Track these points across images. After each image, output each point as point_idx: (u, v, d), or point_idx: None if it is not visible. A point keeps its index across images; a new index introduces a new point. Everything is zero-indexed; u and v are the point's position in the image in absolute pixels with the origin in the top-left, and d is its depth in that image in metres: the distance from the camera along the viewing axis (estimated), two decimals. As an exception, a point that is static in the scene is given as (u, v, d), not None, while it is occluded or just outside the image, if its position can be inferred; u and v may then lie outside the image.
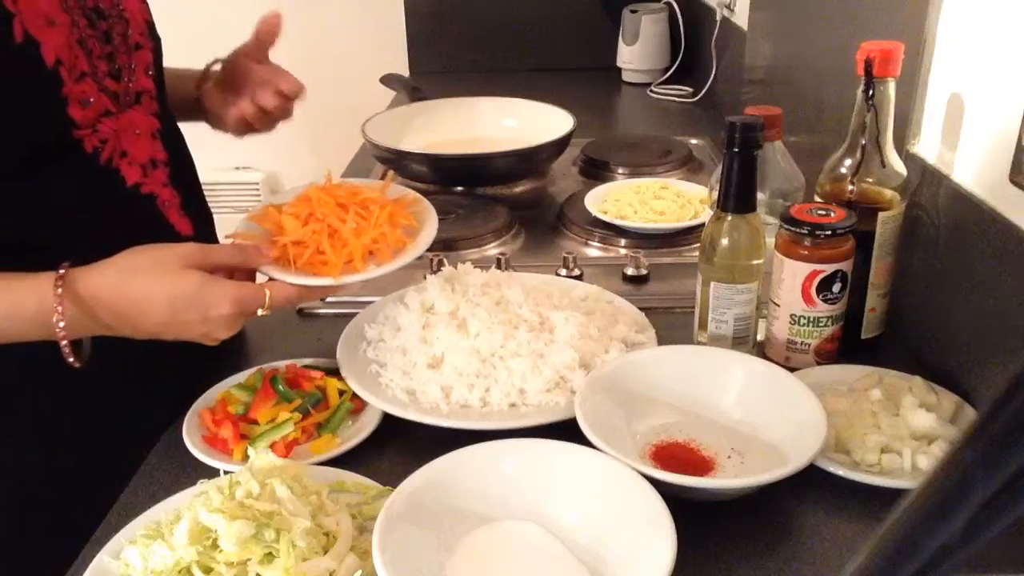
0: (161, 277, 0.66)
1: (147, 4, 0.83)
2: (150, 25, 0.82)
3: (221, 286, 0.67)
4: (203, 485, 0.62)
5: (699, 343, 0.84)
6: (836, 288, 0.78)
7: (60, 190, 0.73)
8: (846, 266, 0.78)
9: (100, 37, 0.74)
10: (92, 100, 0.72)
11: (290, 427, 0.73)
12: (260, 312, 0.69)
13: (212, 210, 0.95)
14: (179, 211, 0.83)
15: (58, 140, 0.71)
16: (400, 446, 0.74)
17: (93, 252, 0.73)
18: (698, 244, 0.83)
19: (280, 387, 0.78)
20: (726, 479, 0.68)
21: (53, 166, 0.72)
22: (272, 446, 0.71)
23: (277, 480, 0.60)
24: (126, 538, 0.62)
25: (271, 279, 0.73)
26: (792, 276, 0.79)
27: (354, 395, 0.78)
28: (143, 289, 0.65)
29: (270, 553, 0.56)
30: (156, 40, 0.83)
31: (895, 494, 0.66)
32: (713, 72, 1.74)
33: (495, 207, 1.22)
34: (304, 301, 0.88)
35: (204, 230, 0.88)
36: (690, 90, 1.86)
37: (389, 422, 0.76)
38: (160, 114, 0.82)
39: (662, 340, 0.84)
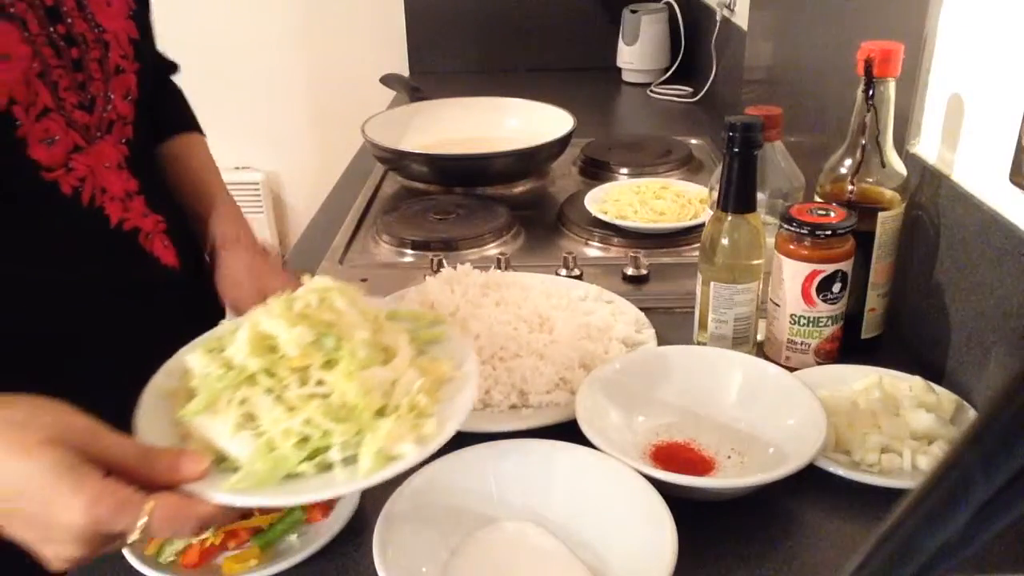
0: (10, 444, 0.47)
1: (135, 22, 0.77)
2: (136, 44, 0.76)
3: (79, 481, 0.46)
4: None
5: (699, 343, 0.84)
6: (836, 288, 0.78)
7: (47, 238, 0.68)
8: (846, 266, 0.78)
9: (69, 66, 0.68)
10: (58, 137, 0.66)
11: (206, 531, 0.60)
12: (132, 539, 0.48)
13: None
14: (164, 239, 0.78)
15: (27, 185, 0.66)
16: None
17: (86, 303, 0.71)
18: (698, 244, 0.83)
19: None
20: (726, 479, 0.68)
21: (33, 215, 0.67)
22: (186, 549, 0.62)
23: (336, 293, 0.59)
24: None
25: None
26: (792, 276, 0.79)
27: (316, 503, 0.66)
28: None
29: (330, 361, 0.54)
30: (143, 60, 0.77)
31: (895, 494, 0.66)
32: (713, 72, 1.74)
33: (495, 207, 1.22)
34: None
35: (190, 259, 0.84)
36: (690, 90, 1.86)
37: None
38: (131, 141, 0.76)
39: (662, 340, 0.84)
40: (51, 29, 0.66)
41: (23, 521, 0.48)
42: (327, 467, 0.52)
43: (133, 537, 0.47)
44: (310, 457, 0.52)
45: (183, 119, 0.95)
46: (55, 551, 0.48)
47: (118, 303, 0.75)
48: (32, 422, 0.48)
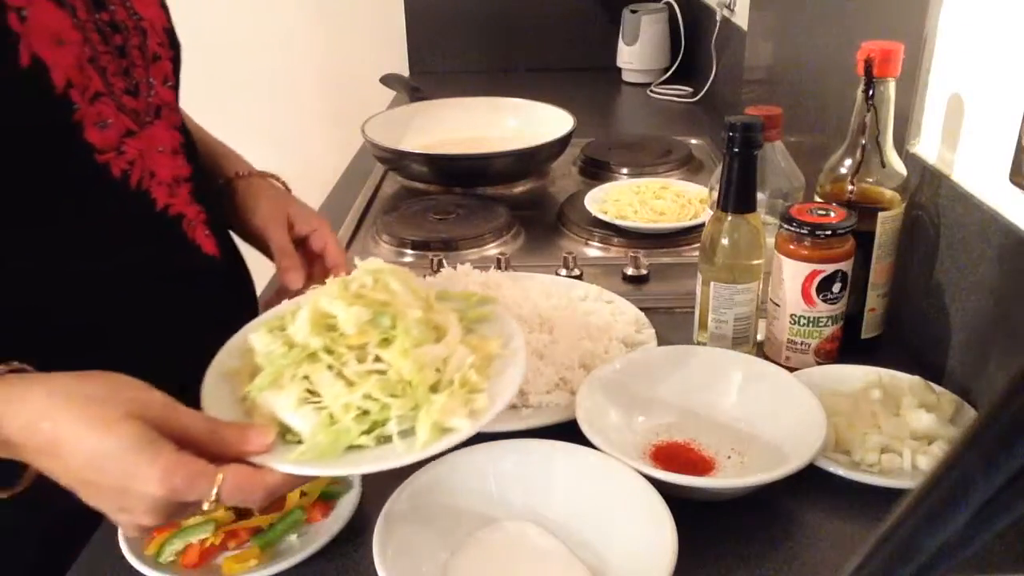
0: (92, 419, 0.50)
1: (167, 10, 0.79)
2: (169, 33, 0.78)
3: (156, 454, 0.50)
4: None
5: (699, 343, 0.84)
6: (836, 288, 0.78)
7: (93, 222, 0.69)
8: (846, 266, 0.78)
9: (114, 52, 0.69)
10: (111, 121, 0.68)
11: (206, 532, 0.62)
12: (207, 506, 0.51)
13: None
14: (205, 228, 0.79)
15: (81, 168, 0.67)
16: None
17: (127, 286, 0.71)
18: (698, 244, 0.83)
19: None
20: (726, 479, 0.68)
21: (83, 198, 0.68)
22: (186, 549, 0.62)
23: (389, 274, 0.61)
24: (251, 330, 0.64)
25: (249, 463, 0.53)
26: (792, 276, 0.79)
27: (316, 501, 0.66)
28: (65, 427, 0.50)
29: (386, 339, 0.57)
30: (176, 48, 0.79)
31: (895, 494, 0.66)
32: (713, 72, 1.74)
33: (495, 207, 1.22)
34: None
35: (228, 249, 0.84)
36: (690, 90, 1.86)
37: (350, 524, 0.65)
38: (181, 127, 0.78)
39: (662, 340, 0.84)
40: (97, 16, 0.68)
41: (102, 492, 0.51)
42: (386, 439, 0.55)
43: (206, 506, 0.51)
44: (369, 430, 0.54)
45: None
46: (129, 519, 0.52)
47: (159, 288, 0.75)
48: (113, 398, 0.51)
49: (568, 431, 0.68)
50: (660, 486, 0.61)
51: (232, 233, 0.87)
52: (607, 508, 0.62)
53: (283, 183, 0.89)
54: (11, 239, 0.65)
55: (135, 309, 0.73)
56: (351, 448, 0.54)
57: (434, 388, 0.56)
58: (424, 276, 0.94)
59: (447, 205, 1.24)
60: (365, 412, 0.54)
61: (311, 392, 0.56)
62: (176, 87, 0.79)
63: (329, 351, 0.56)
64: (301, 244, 0.82)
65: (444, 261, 1.00)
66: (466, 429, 0.54)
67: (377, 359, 0.56)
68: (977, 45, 0.76)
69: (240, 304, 0.87)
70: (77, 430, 0.50)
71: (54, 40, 0.63)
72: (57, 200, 0.67)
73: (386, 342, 0.57)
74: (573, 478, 0.64)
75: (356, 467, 0.55)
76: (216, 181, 0.87)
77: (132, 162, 0.70)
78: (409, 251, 1.13)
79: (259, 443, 0.53)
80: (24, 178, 0.65)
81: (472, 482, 0.64)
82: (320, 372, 0.56)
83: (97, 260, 0.70)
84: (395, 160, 1.36)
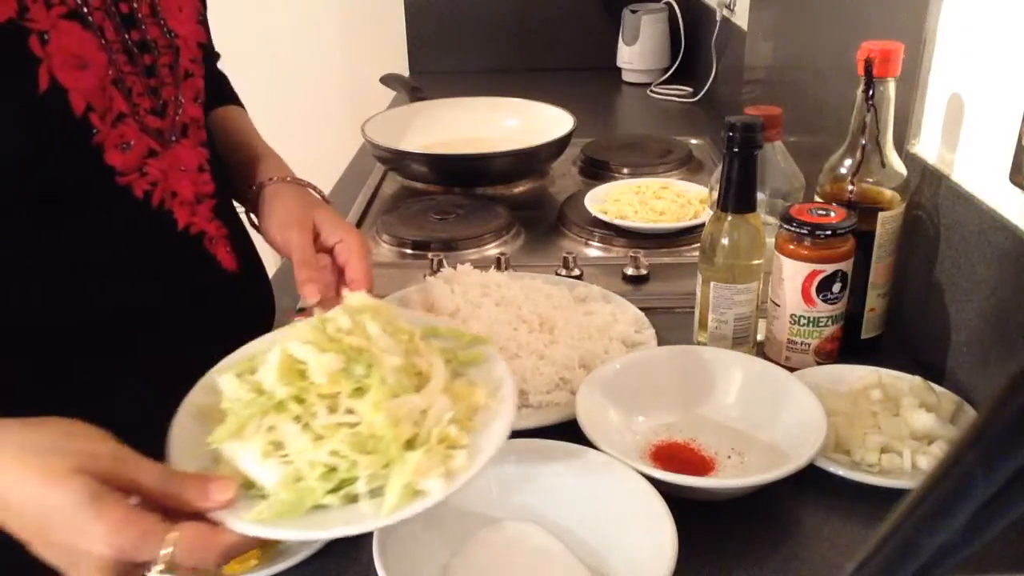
0: (37, 473, 0.48)
1: (204, 25, 0.77)
2: (204, 48, 0.76)
3: (101, 511, 0.47)
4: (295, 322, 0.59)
5: (699, 343, 0.84)
6: (836, 288, 0.78)
7: (114, 241, 0.69)
8: (846, 266, 0.78)
9: (142, 72, 0.68)
10: (132, 143, 0.67)
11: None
12: (158, 569, 0.47)
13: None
14: (226, 244, 0.77)
15: (102, 190, 0.67)
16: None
17: (146, 301, 0.71)
18: (698, 244, 0.83)
19: None
20: (726, 479, 0.68)
21: (104, 219, 0.68)
22: None
23: (368, 317, 0.57)
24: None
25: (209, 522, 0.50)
26: (792, 276, 0.79)
27: None
28: (11, 480, 0.48)
29: (360, 388, 0.53)
30: (211, 62, 0.76)
31: (895, 494, 0.66)
32: (713, 72, 1.74)
33: (495, 207, 1.22)
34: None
35: (250, 265, 0.83)
36: (690, 90, 1.86)
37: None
38: (208, 142, 0.76)
39: (662, 340, 0.84)
40: (126, 36, 0.67)
41: (52, 547, 0.48)
42: (353, 499, 0.51)
43: (160, 567, 0.47)
44: (337, 488, 0.51)
45: (230, 95, 0.97)
46: None
47: (178, 304, 0.75)
48: (58, 449, 0.48)
49: (568, 431, 0.68)
50: (660, 486, 0.61)
51: (259, 243, 0.86)
52: (607, 508, 0.62)
53: (319, 192, 0.85)
54: (32, 256, 0.65)
55: (153, 324, 0.73)
56: (316, 507, 0.50)
57: (410, 444, 0.52)
58: (424, 276, 0.94)
59: (447, 205, 1.24)
60: (333, 469, 0.51)
61: (278, 444, 0.52)
62: (206, 102, 0.77)
63: (298, 400, 0.53)
64: (330, 254, 0.78)
65: (444, 261, 1.00)
66: (439, 492, 0.50)
67: (349, 411, 0.52)
68: (977, 45, 0.76)
69: (257, 318, 0.86)
70: (22, 484, 0.48)
71: (77, 63, 0.61)
72: (79, 220, 0.67)
73: (360, 391, 0.53)
74: (573, 478, 0.64)
75: (318, 531, 0.51)
76: (250, 186, 0.84)
77: (155, 183, 0.70)
78: (409, 251, 1.13)
79: (218, 498, 0.49)
80: (46, 199, 0.64)
81: (472, 482, 0.64)
82: (286, 423, 0.52)
83: (116, 277, 0.70)
84: (395, 160, 1.36)
